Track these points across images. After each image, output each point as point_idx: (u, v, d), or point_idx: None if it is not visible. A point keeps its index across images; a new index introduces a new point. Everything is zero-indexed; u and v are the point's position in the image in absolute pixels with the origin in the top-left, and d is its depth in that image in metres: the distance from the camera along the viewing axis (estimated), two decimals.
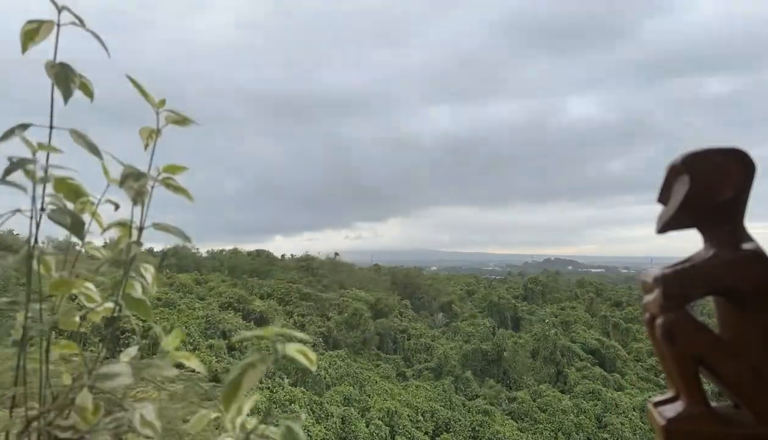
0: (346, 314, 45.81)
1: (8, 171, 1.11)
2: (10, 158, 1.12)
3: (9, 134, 1.14)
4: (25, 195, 1.18)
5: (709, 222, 1.55)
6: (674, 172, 1.61)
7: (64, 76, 1.18)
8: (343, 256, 73.51)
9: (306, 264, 65.46)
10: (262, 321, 40.14)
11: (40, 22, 1.19)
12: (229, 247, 69.98)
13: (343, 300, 49.71)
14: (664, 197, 1.66)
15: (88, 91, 1.26)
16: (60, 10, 1.18)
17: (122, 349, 1.43)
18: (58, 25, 1.20)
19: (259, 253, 69.33)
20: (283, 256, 71.87)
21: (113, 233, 1.39)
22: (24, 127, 1.16)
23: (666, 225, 1.60)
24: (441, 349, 43.76)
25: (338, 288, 56.36)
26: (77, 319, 1.30)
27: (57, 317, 1.25)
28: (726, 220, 1.53)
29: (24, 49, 1.18)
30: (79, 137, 1.20)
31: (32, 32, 1.19)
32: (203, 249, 69.07)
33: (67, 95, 1.18)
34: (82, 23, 1.20)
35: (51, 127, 1.20)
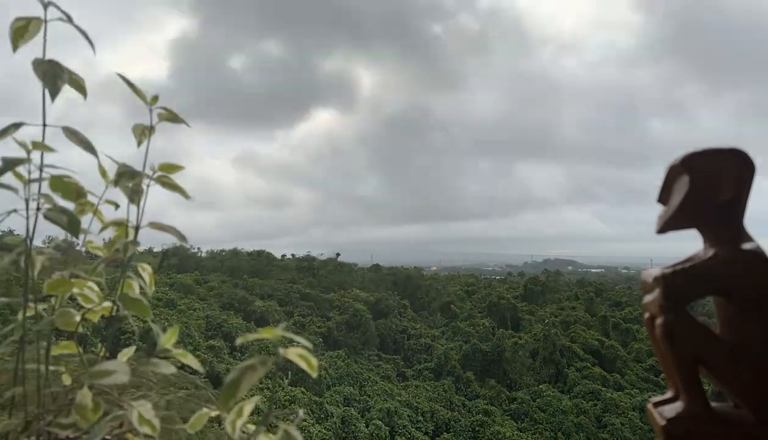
0: (346, 315, 45.80)
1: (0, 172, 1.10)
2: (3, 158, 1.11)
3: (2, 133, 1.13)
4: (23, 195, 1.17)
5: (709, 222, 1.55)
6: (674, 172, 1.61)
7: (52, 74, 1.17)
8: (343, 256, 73.60)
9: (306, 265, 65.47)
10: (262, 322, 40.15)
11: (29, 20, 1.18)
12: (229, 247, 70.05)
13: (343, 301, 49.71)
14: (664, 198, 1.66)
15: (81, 89, 1.25)
16: (46, 6, 1.17)
17: (122, 350, 1.43)
18: (45, 22, 1.19)
19: (259, 253, 69.33)
20: (283, 256, 71.88)
21: (110, 233, 1.39)
22: (17, 126, 1.15)
23: (666, 225, 1.60)
24: (441, 349, 43.77)
25: (338, 289, 56.32)
26: (76, 319, 1.30)
27: (55, 317, 1.25)
28: (726, 220, 1.53)
29: (15, 47, 1.17)
30: (73, 135, 1.19)
31: (21, 30, 1.17)
32: (203, 249, 69.17)
33: (54, 93, 1.16)
34: (70, 19, 1.19)
35: (44, 125, 1.19)
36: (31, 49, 1.18)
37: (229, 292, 45.82)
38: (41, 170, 1.20)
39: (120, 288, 1.30)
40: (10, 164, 1.12)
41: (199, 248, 67.38)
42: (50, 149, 1.20)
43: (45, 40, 1.19)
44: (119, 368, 1.08)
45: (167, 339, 1.23)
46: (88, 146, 1.21)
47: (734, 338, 1.50)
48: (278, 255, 71.07)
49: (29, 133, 1.17)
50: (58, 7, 1.18)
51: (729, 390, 1.53)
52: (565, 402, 36.40)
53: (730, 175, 1.52)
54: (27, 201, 1.18)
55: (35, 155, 1.19)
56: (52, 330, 1.26)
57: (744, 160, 1.53)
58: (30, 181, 1.18)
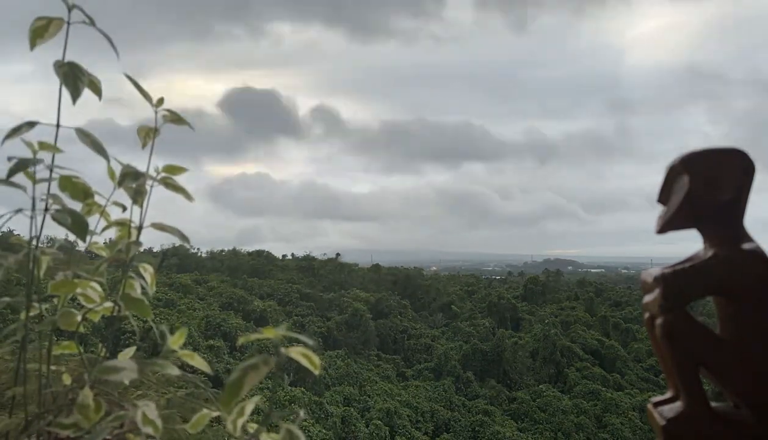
0: (346, 315, 45.79)
1: (12, 172, 1.10)
2: (11, 158, 1.11)
3: (15, 131, 1.13)
4: (29, 194, 1.17)
5: (709, 222, 1.55)
6: (674, 172, 1.61)
7: (72, 76, 1.17)
8: (343, 256, 73.65)
9: (306, 264, 65.50)
10: (262, 322, 40.14)
11: (50, 20, 1.18)
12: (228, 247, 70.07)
13: (343, 301, 49.71)
14: (664, 198, 1.66)
15: (97, 90, 1.25)
16: (70, 8, 1.17)
17: (122, 350, 1.43)
18: (68, 24, 1.19)
19: (259, 253, 69.38)
20: (283, 256, 71.92)
21: (112, 233, 1.39)
22: (31, 125, 1.15)
23: (666, 225, 1.60)
24: (441, 349, 43.76)
25: (339, 289, 56.31)
26: (78, 319, 1.30)
27: (57, 317, 1.25)
28: (726, 220, 1.53)
29: (32, 46, 1.17)
30: (86, 137, 1.19)
31: (41, 29, 1.17)
32: (203, 249, 69.25)
33: (75, 95, 1.16)
34: (92, 22, 1.19)
35: (58, 125, 1.19)
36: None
37: (229, 292, 45.81)
38: (51, 170, 1.19)
39: (122, 288, 1.31)
40: (22, 165, 1.12)
41: (198, 249, 67.42)
42: (58, 150, 1.20)
43: (66, 43, 1.19)
44: (127, 366, 1.09)
45: (175, 341, 1.23)
46: (100, 149, 1.21)
47: (734, 338, 1.51)
48: (278, 255, 71.19)
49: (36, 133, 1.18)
50: (81, 10, 1.17)
51: (729, 390, 1.53)
52: (565, 402, 36.40)
53: (730, 175, 1.52)
54: (33, 201, 1.17)
55: (46, 155, 1.19)
56: (53, 329, 1.26)
57: (744, 160, 1.53)
58: (38, 181, 1.18)
